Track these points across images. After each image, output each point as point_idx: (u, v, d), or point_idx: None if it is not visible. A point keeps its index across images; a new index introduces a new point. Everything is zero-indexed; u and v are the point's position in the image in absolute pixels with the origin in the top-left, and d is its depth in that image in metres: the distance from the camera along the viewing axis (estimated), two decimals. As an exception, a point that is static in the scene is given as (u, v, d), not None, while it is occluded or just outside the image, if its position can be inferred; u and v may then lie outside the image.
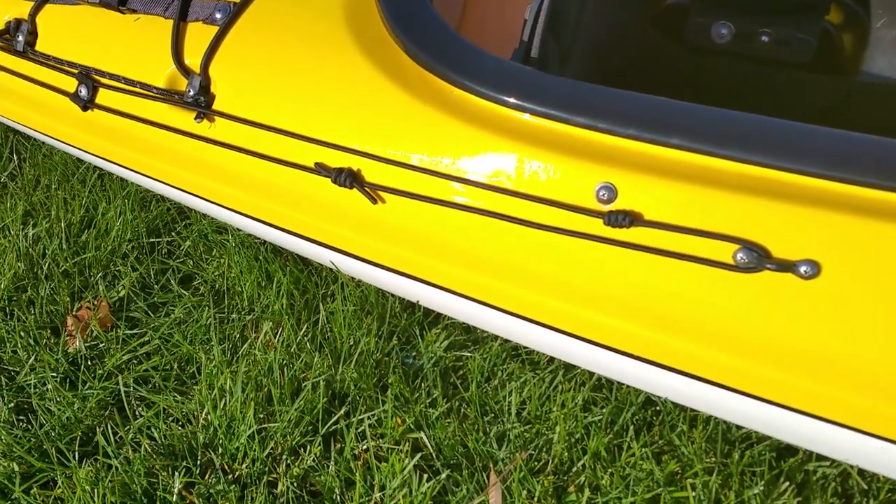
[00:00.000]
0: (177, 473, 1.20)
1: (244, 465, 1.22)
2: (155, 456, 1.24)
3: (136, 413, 1.32)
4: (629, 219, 0.87)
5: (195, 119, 1.19)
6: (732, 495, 1.12)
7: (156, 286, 1.57)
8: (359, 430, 1.25)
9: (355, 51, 1.08)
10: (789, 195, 0.83)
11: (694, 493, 1.12)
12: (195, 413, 1.29)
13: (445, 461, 1.20)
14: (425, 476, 1.16)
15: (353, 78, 1.07)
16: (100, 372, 1.39)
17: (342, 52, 1.09)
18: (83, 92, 1.31)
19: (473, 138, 0.97)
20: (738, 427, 1.20)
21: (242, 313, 1.47)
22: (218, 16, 1.22)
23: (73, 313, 1.52)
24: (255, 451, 1.22)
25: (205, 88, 1.18)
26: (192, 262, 1.62)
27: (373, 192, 1.05)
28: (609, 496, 1.13)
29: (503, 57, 1.00)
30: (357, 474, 1.17)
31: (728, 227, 0.84)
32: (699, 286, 0.89)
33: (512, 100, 0.94)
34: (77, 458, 1.26)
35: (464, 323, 1.36)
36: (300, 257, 1.54)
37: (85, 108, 1.33)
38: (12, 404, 1.36)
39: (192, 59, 1.21)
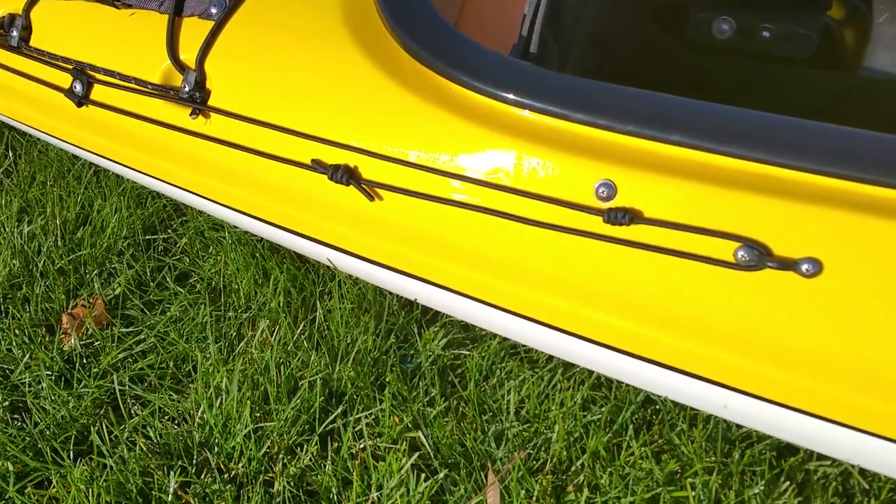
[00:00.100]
0: (172, 473, 1.19)
1: (240, 465, 1.21)
2: (150, 455, 1.23)
3: (132, 412, 1.31)
4: (629, 216, 0.87)
5: (190, 115, 1.18)
6: (732, 495, 1.11)
7: (152, 284, 1.56)
8: (356, 429, 1.24)
9: (352, 46, 1.08)
10: (791, 192, 0.82)
11: (694, 493, 1.11)
12: (191, 412, 1.28)
13: (443, 460, 1.19)
14: (423, 475, 1.16)
15: (350, 74, 1.06)
16: (95, 370, 1.38)
17: (339, 47, 1.08)
18: (78, 88, 1.30)
19: (472, 135, 0.96)
20: (739, 426, 1.19)
21: (239, 311, 1.46)
22: (213, 10, 1.21)
23: (69, 311, 1.51)
24: (251, 450, 1.21)
25: (200, 84, 1.17)
26: (188, 260, 1.61)
27: (370, 189, 1.04)
28: (608, 496, 1.12)
29: (502, 52, 0.99)
30: (354, 474, 1.16)
31: (729, 225, 0.84)
32: (699, 284, 0.88)
33: (511, 96, 0.94)
34: (72, 458, 1.25)
35: (462, 321, 1.35)
36: (297, 255, 1.53)
37: (80, 105, 1.32)
38: (7, 403, 1.35)
39: (188, 55, 1.20)
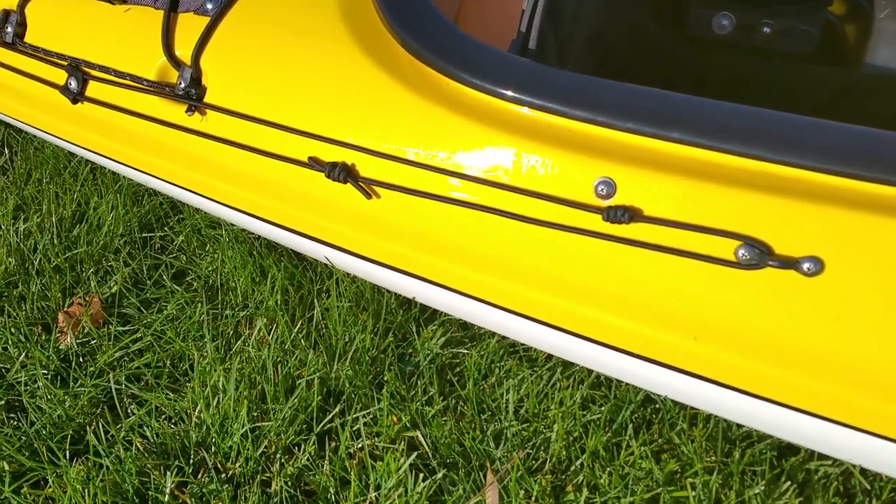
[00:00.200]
0: (169, 473, 1.18)
1: (237, 464, 1.20)
2: (147, 455, 1.22)
3: (128, 411, 1.31)
4: (628, 214, 0.86)
5: (186, 112, 1.18)
6: (733, 495, 1.10)
7: (148, 282, 1.55)
8: (354, 429, 1.23)
9: (350, 42, 1.07)
10: (792, 190, 0.81)
11: (694, 493, 1.10)
12: (188, 411, 1.28)
13: (441, 460, 1.19)
14: (421, 475, 1.15)
15: (347, 70, 1.05)
16: (91, 369, 1.37)
17: (336, 43, 1.07)
18: (73, 84, 1.29)
19: (470, 132, 0.95)
20: (739, 425, 1.18)
21: (236, 309, 1.46)
22: (209, 6, 1.20)
23: (65, 309, 1.50)
24: (248, 449, 1.20)
25: (196, 81, 1.16)
26: (185, 258, 1.60)
27: (367, 186, 1.03)
28: (608, 496, 1.11)
29: (500, 49, 0.98)
30: (352, 473, 1.16)
31: (729, 223, 0.83)
32: (700, 283, 0.87)
33: (509, 93, 0.93)
34: (68, 457, 1.24)
35: (461, 319, 1.35)
36: (295, 252, 1.52)
37: (75, 101, 1.31)
38: (2, 402, 1.34)
39: (183, 51, 1.19)
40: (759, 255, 0.81)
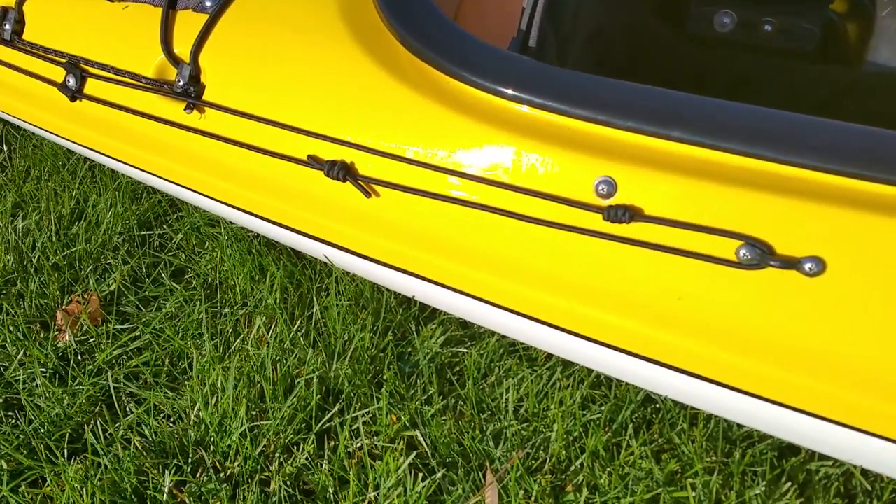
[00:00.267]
0: (167, 472, 1.18)
1: (236, 464, 1.20)
2: (145, 453, 1.22)
3: (127, 409, 1.30)
4: (629, 214, 0.85)
5: (185, 110, 1.17)
6: (733, 495, 1.10)
7: (147, 280, 1.55)
8: (353, 428, 1.23)
9: (349, 40, 1.06)
10: (794, 190, 0.80)
11: (694, 493, 1.10)
12: (186, 410, 1.27)
13: (441, 460, 1.18)
14: (420, 475, 1.14)
15: (346, 68, 1.05)
16: (90, 367, 1.37)
17: (336, 41, 1.07)
18: (71, 82, 1.29)
19: (470, 130, 0.94)
20: (740, 426, 1.18)
21: (235, 308, 1.45)
22: (208, 3, 1.19)
23: (63, 307, 1.50)
24: (247, 448, 1.20)
25: (194, 78, 1.16)
26: (184, 256, 1.59)
27: (367, 185, 1.02)
28: (608, 496, 1.11)
29: (500, 47, 0.97)
30: (351, 473, 1.15)
31: (731, 223, 0.82)
32: (701, 283, 0.87)
33: (509, 91, 0.92)
34: (66, 456, 1.23)
35: (460, 318, 1.34)
36: (294, 251, 1.52)
37: (73, 99, 1.30)
38: (1, 400, 1.33)
39: (182, 48, 1.18)
40: (761, 254, 0.81)
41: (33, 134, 1.95)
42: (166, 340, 1.40)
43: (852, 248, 0.78)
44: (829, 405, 0.88)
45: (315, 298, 1.43)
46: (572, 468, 1.16)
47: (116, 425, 1.27)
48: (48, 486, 1.20)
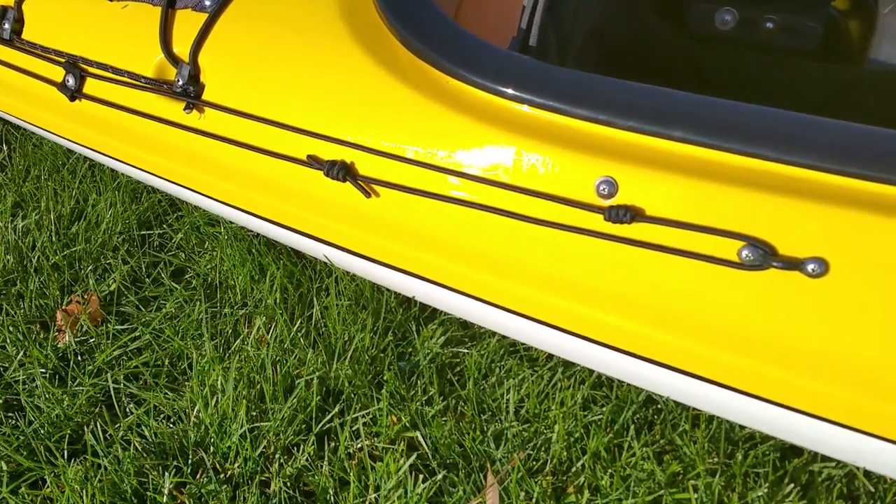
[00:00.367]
0: (167, 473, 1.17)
1: (236, 465, 1.20)
2: (145, 454, 1.21)
3: (127, 410, 1.30)
4: (630, 214, 0.85)
5: (184, 109, 1.17)
6: (736, 497, 1.09)
7: (147, 280, 1.54)
8: (353, 429, 1.22)
9: (349, 39, 1.06)
10: (796, 190, 0.80)
11: (696, 495, 1.09)
12: (186, 410, 1.27)
13: (441, 461, 1.18)
14: (421, 476, 1.14)
15: (346, 67, 1.04)
16: (89, 368, 1.36)
17: (335, 40, 1.06)
18: (70, 81, 1.28)
19: (470, 130, 0.94)
20: (742, 427, 1.17)
21: (235, 308, 1.45)
22: (207, 2, 1.19)
23: (63, 307, 1.50)
24: (247, 450, 1.19)
25: (194, 78, 1.15)
26: (183, 255, 1.59)
27: (367, 185, 1.02)
28: (609, 497, 1.11)
29: (501, 46, 0.97)
30: (351, 474, 1.15)
31: (733, 224, 0.82)
32: (702, 284, 0.86)
33: (510, 90, 0.92)
34: (66, 457, 1.23)
35: (461, 319, 1.34)
36: (294, 250, 1.51)
37: (72, 98, 1.30)
38: (0, 401, 1.33)
39: (181, 48, 1.18)
40: (763, 255, 0.80)
41: (33, 133, 1.95)
42: (166, 341, 1.40)
43: (856, 249, 0.78)
44: (831, 406, 0.87)
45: (315, 298, 1.42)
46: (574, 469, 1.15)
47: (116, 426, 1.26)
48: (48, 487, 1.20)
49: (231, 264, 1.52)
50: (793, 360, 0.85)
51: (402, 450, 1.18)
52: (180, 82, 1.15)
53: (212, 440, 1.22)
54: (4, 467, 1.22)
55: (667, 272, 0.87)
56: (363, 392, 1.26)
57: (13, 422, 1.30)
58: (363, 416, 1.23)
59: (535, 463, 1.17)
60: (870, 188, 0.78)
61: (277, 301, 1.42)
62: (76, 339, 1.42)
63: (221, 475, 1.19)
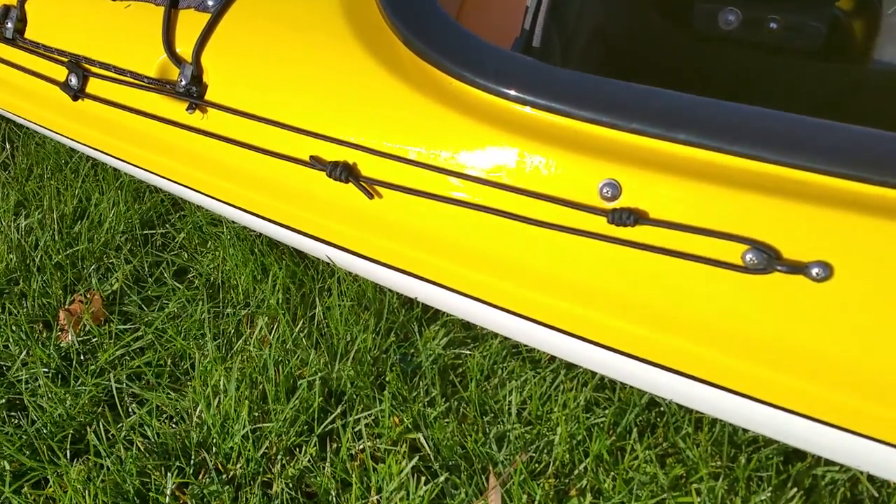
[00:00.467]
0: (170, 473, 1.17)
1: (238, 465, 1.19)
2: (147, 455, 1.21)
3: (129, 410, 1.30)
4: (634, 217, 0.84)
5: (187, 110, 1.16)
6: (739, 501, 1.09)
7: (149, 279, 1.54)
8: (355, 430, 1.22)
9: (352, 40, 1.05)
10: (801, 194, 0.80)
11: (699, 499, 1.09)
12: (189, 411, 1.27)
13: (444, 463, 1.18)
14: (423, 478, 1.14)
15: (349, 68, 1.04)
16: (92, 367, 1.36)
17: (338, 41, 1.06)
18: (73, 81, 1.28)
19: (473, 132, 0.94)
20: (745, 430, 1.17)
21: (237, 308, 1.45)
22: (210, 3, 1.18)
23: (66, 307, 1.50)
24: (249, 450, 1.19)
25: (197, 78, 1.15)
26: (186, 255, 1.59)
27: (369, 186, 1.02)
28: (612, 501, 1.10)
29: (504, 47, 0.96)
30: (353, 475, 1.15)
31: (737, 227, 0.81)
32: (706, 287, 0.86)
33: (513, 92, 0.91)
34: (69, 457, 1.23)
35: (463, 320, 1.33)
36: (296, 250, 1.51)
37: (75, 98, 1.30)
38: (3, 400, 1.33)
39: (184, 48, 1.18)
40: (767, 259, 0.80)
41: (36, 132, 1.95)
42: (168, 340, 1.40)
43: (860, 254, 0.78)
44: (835, 411, 0.87)
45: (317, 299, 1.42)
46: (576, 472, 1.15)
47: (119, 426, 1.26)
48: (51, 487, 1.20)
49: (233, 264, 1.51)
50: (796, 365, 0.84)
51: (405, 451, 1.18)
52: (183, 82, 1.15)
53: (214, 440, 1.22)
54: (7, 467, 1.22)
55: (670, 275, 0.87)
56: (365, 393, 1.26)
57: (16, 421, 1.31)
58: (365, 418, 1.23)
59: (537, 465, 1.16)
60: (875, 192, 0.78)
61: (280, 301, 1.42)
62: (79, 339, 1.42)
63: (224, 476, 1.19)
